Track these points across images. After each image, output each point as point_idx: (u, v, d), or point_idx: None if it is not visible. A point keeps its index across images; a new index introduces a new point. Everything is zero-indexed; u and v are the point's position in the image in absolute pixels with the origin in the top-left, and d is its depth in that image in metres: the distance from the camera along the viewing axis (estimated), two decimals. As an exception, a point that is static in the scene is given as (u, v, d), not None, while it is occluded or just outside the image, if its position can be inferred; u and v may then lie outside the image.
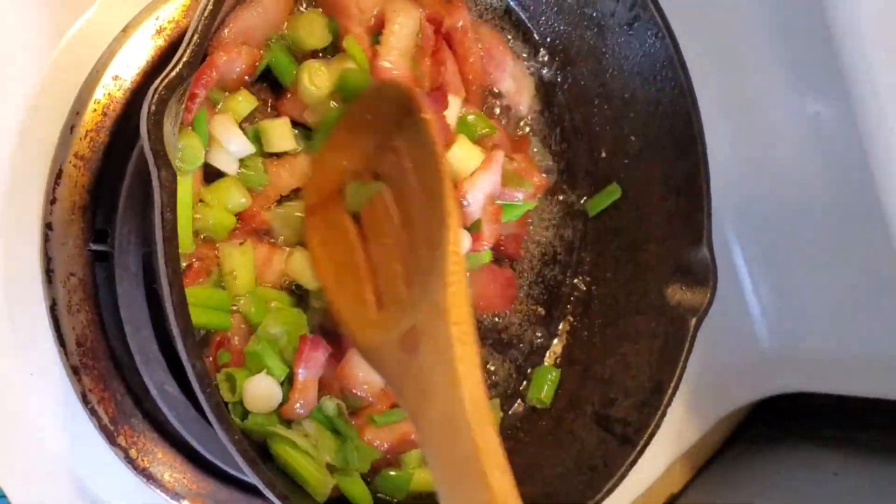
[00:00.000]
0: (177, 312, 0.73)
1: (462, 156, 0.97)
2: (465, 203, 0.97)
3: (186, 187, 0.84)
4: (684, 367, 1.01)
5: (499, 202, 1.02)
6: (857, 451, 1.30)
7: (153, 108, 0.71)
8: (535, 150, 1.12)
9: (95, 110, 0.93)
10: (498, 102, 1.09)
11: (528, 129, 1.12)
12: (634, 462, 0.99)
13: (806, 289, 1.31)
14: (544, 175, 1.09)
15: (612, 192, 1.11)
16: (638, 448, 0.99)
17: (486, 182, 0.98)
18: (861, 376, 1.26)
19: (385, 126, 0.87)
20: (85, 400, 0.94)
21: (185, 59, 0.73)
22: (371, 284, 0.86)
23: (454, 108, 1.01)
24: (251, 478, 0.77)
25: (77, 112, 0.93)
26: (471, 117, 1.02)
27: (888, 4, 0.99)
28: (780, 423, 1.42)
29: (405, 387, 0.76)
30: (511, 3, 1.09)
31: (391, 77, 0.92)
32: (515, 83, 1.09)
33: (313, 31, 0.92)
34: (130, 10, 0.96)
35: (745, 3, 1.19)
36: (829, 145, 1.19)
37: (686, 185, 1.05)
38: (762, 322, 1.37)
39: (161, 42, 0.95)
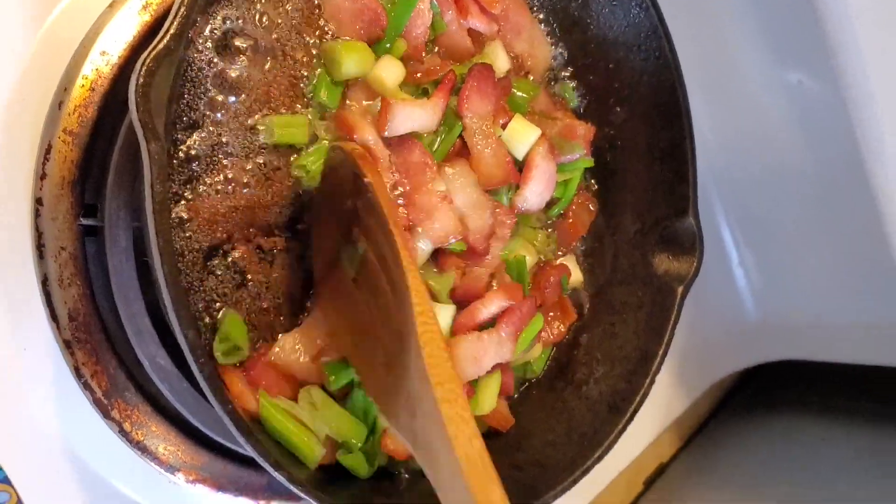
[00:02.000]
0: (167, 283, 0.73)
1: (519, 134, 1.00)
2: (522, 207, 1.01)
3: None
4: (672, 335, 1.03)
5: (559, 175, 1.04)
6: (842, 417, 1.32)
7: (141, 79, 0.72)
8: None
9: (83, 86, 0.93)
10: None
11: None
12: (623, 430, 1.00)
13: (790, 259, 1.32)
14: (587, 125, 1.09)
15: (584, 163, 1.09)
16: (627, 416, 1.00)
17: (540, 182, 1.01)
18: (846, 344, 1.27)
19: (348, 190, 0.86)
20: (78, 374, 0.95)
21: (172, 31, 0.74)
22: (381, 348, 0.84)
23: (498, 51, 1.03)
24: (245, 447, 0.78)
25: (65, 88, 0.93)
26: (518, 93, 1.05)
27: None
28: (767, 391, 1.44)
29: (416, 449, 0.75)
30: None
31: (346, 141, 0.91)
32: (530, 46, 1.08)
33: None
34: (116, -14, 0.96)
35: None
36: (812, 115, 1.20)
37: (671, 154, 1.06)
38: (747, 292, 1.38)
39: (147, 17, 0.96)
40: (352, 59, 0.91)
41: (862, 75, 1.03)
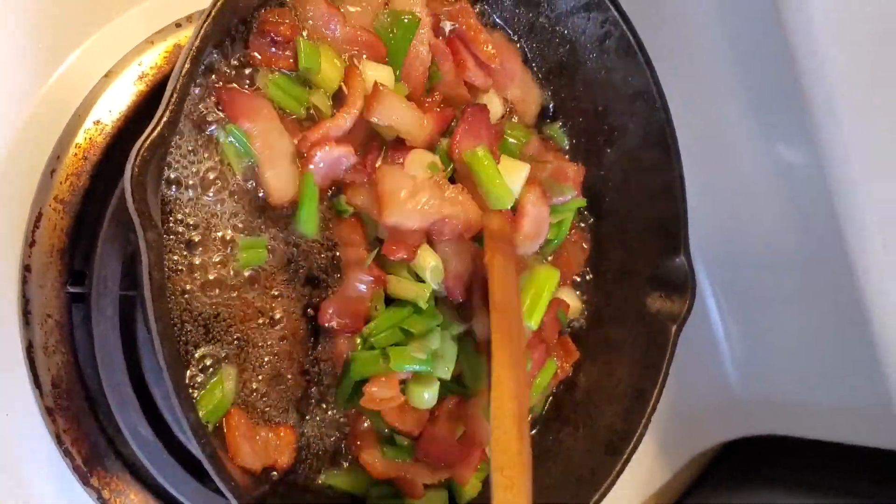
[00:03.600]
0: (169, 368, 0.72)
1: (509, 171, 0.99)
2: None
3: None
4: (667, 374, 1.02)
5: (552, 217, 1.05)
6: (823, 494, 1.31)
7: (136, 169, 0.71)
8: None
9: (76, 154, 0.93)
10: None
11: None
12: (621, 471, 0.99)
13: (776, 334, 1.32)
14: (577, 166, 1.08)
15: (575, 203, 1.10)
16: (625, 456, 1.00)
17: (532, 228, 1.01)
18: (829, 421, 1.27)
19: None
20: (59, 441, 0.94)
21: (165, 119, 0.73)
22: None
23: (493, 98, 1.04)
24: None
25: (58, 156, 0.93)
26: (511, 140, 1.06)
27: (855, 60, 1.01)
28: (748, 465, 1.43)
29: None
30: (497, 20, 1.09)
31: None
32: (522, 92, 1.09)
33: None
34: (113, 56, 0.96)
35: (719, 54, 1.21)
36: (798, 194, 1.21)
37: (662, 194, 1.06)
38: (731, 365, 1.38)
39: (143, 87, 0.96)
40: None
41: (844, 157, 1.03)
